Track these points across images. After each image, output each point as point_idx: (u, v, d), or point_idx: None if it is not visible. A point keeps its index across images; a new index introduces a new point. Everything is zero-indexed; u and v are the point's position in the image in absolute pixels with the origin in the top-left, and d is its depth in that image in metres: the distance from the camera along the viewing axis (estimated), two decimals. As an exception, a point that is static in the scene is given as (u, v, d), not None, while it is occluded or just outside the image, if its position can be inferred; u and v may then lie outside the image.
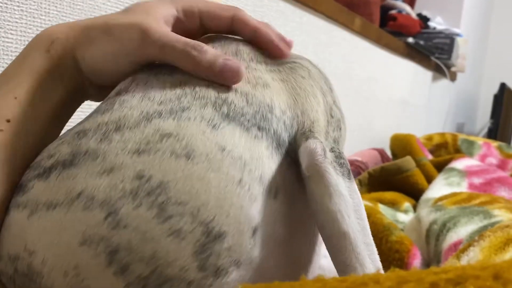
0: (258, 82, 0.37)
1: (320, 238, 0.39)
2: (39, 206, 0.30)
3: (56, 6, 0.60)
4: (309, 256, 0.38)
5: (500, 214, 0.72)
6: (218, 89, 0.35)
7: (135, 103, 0.33)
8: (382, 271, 0.35)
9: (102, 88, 0.42)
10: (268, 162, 0.33)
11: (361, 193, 1.16)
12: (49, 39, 0.38)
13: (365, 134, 1.63)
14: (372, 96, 1.63)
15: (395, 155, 1.45)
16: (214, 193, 0.30)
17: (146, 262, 0.28)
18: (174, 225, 0.28)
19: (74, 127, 0.34)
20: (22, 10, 0.56)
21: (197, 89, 0.35)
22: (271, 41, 0.41)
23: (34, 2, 0.58)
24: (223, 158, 0.31)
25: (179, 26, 0.41)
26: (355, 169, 1.26)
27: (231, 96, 0.35)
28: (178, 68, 0.37)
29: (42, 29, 0.58)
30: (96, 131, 0.32)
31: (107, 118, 0.33)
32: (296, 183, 0.35)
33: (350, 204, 0.34)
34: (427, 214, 0.84)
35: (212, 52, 0.37)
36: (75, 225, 0.28)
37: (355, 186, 0.36)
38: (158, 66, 0.38)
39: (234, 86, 0.36)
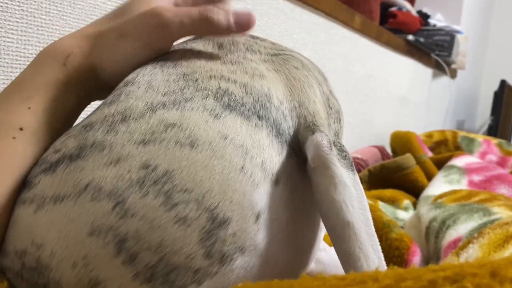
0: (255, 73, 0.38)
1: (321, 225, 0.40)
2: (46, 200, 0.30)
3: (56, 6, 0.60)
4: (311, 242, 0.39)
5: (500, 212, 0.72)
6: (218, 81, 0.36)
7: (141, 94, 0.34)
8: (383, 262, 0.36)
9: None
10: (268, 149, 0.34)
11: (361, 190, 1.16)
12: (65, 53, 0.39)
13: (365, 131, 1.63)
14: (372, 93, 1.63)
15: (395, 153, 1.45)
16: (218, 180, 0.31)
17: (154, 250, 0.29)
18: (180, 212, 0.29)
19: (82, 121, 0.35)
20: (22, 10, 0.57)
21: (199, 81, 0.36)
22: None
23: (35, 1, 0.58)
24: (225, 145, 0.32)
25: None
26: (355, 166, 1.25)
27: (231, 87, 0.36)
28: (182, 61, 0.38)
29: (43, 28, 0.58)
30: (103, 123, 0.33)
31: (113, 109, 0.33)
32: (296, 171, 0.36)
33: (354, 195, 0.35)
34: (426, 212, 0.84)
35: (221, 10, 0.40)
36: (83, 216, 0.29)
37: (358, 178, 0.37)
38: (163, 59, 0.39)
39: (234, 77, 0.37)
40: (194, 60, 0.38)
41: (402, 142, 1.41)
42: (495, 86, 2.72)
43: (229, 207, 0.31)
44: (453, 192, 0.97)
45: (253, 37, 0.44)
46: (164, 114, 0.32)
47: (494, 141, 1.54)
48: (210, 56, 0.39)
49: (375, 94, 1.65)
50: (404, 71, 1.91)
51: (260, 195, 0.33)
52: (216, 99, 0.34)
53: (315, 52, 1.19)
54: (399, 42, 1.77)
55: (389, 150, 1.50)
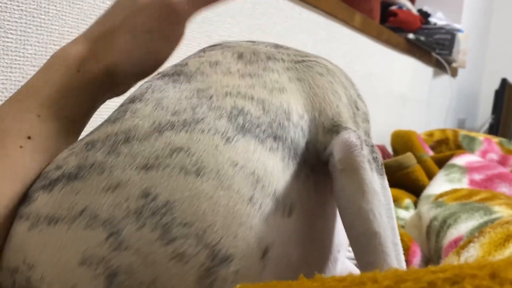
0: (275, 86, 0.36)
1: (336, 256, 0.38)
2: (40, 219, 0.29)
3: (55, 6, 0.60)
4: (326, 274, 0.37)
5: (501, 210, 0.72)
6: (234, 99, 0.34)
7: (148, 112, 0.32)
8: None
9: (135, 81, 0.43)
10: (283, 175, 0.32)
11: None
12: (77, 59, 0.38)
13: (366, 131, 1.63)
14: (373, 92, 1.63)
15: (396, 152, 1.45)
16: (222, 213, 0.29)
17: (146, 287, 0.27)
18: (178, 248, 0.27)
19: (85, 136, 0.33)
20: (21, 10, 0.56)
21: (214, 98, 0.33)
22: None
23: (34, 1, 0.58)
24: (234, 174, 0.30)
25: None
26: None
27: (247, 105, 0.34)
28: (197, 75, 0.36)
29: (42, 28, 0.58)
30: (105, 142, 0.31)
31: (116, 128, 0.32)
32: (314, 195, 0.34)
33: (383, 203, 0.33)
34: (427, 211, 0.84)
35: None
36: (75, 244, 0.28)
37: (386, 182, 0.35)
38: (178, 71, 0.37)
39: (251, 93, 0.35)
40: (210, 73, 0.36)
41: (403, 141, 1.41)
42: (496, 84, 2.71)
43: (233, 242, 0.28)
44: (454, 191, 0.97)
45: (276, 46, 0.42)
46: (171, 137, 0.30)
47: (495, 139, 1.53)
48: (228, 68, 0.37)
49: (375, 93, 1.65)
50: (404, 69, 1.91)
51: (269, 228, 0.30)
52: (229, 120, 0.32)
53: (315, 51, 1.19)
54: (399, 40, 1.77)
55: (390, 149, 1.50)
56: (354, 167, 0.32)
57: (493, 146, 1.52)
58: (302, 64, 0.39)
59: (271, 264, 0.30)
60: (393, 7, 1.91)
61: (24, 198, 0.32)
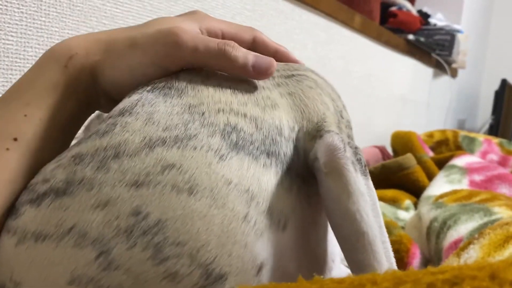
0: (267, 103, 0.36)
1: (331, 265, 0.38)
2: (27, 235, 0.29)
3: (55, 8, 0.60)
4: None
5: (501, 212, 0.72)
6: (227, 115, 0.33)
7: (138, 126, 0.31)
8: (395, 267, 0.35)
9: (116, 100, 0.40)
10: (276, 191, 0.32)
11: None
12: (68, 54, 0.37)
13: (366, 132, 1.63)
14: (373, 93, 1.63)
15: (396, 152, 1.44)
16: (216, 231, 0.28)
17: None
18: (170, 268, 0.27)
19: (72, 146, 0.32)
20: (22, 12, 0.57)
21: (206, 114, 0.33)
22: (293, 60, 0.43)
23: (34, 3, 0.58)
24: (228, 192, 0.29)
25: None
26: (356, 166, 1.25)
27: (240, 122, 0.33)
28: (188, 89, 0.35)
29: (42, 31, 0.58)
30: (94, 157, 0.30)
31: (105, 142, 0.31)
32: (306, 207, 0.34)
33: (368, 203, 0.33)
34: (427, 212, 0.84)
35: (242, 48, 0.37)
36: (64, 262, 0.27)
37: (371, 182, 0.35)
38: (168, 85, 0.35)
39: (244, 110, 0.34)
40: (202, 88, 0.35)
41: (403, 142, 1.41)
42: (496, 85, 2.71)
43: (227, 261, 0.28)
44: (454, 192, 0.97)
45: None
46: (162, 153, 0.30)
47: (495, 140, 1.53)
48: (220, 84, 0.36)
49: (375, 94, 1.65)
50: (404, 70, 1.91)
51: (264, 245, 0.30)
52: (223, 137, 0.31)
53: (315, 53, 1.19)
54: (399, 41, 1.77)
55: (390, 150, 1.50)
56: (338, 169, 0.32)
57: (493, 146, 1.52)
58: (292, 79, 0.40)
59: (266, 280, 0.30)
60: (393, 8, 1.91)
61: (12, 209, 0.31)
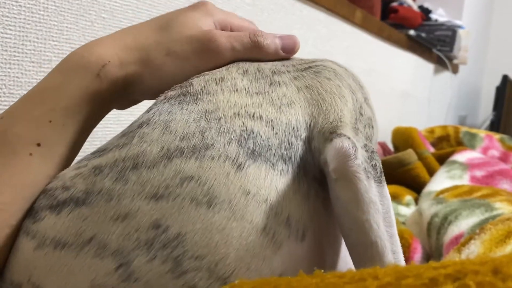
0: (283, 102, 0.35)
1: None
2: (46, 241, 0.29)
3: (54, 1, 0.59)
4: None
5: (502, 207, 0.72)
6: (243, 120, 0.33)
7: (156, 136, 0.31)
8: None
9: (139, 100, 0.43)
10: (294, 198, 0.31)
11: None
12: (100, 62, 0.36)
13: (367, 127, 1.63)
14: (374, 89, 1.62)
15: (397, 148, 1.44)
16: (235, 245, 0.28)
17: None
18: (189, 281, 0.27)
19: (93, 156, 0.32)
20: (20, 5, 0.56)
21: (222, 121, 0.32)
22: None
23: (32, -3, 0.57)
24: (247, 204, 0.29)
25: None
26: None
27: (257, 126, 0.32)
28: (203, 94, 0.35)
29: (41, 24, 0.57)
30: (112, 168, 0.30)
31: (124, 153, 0.31)
32: (324, 213, 0.33)
33: (380, 212, 0.32)
34: (428, 207, 0.84)
35: (269, 34, 0.40)
36: (84, 271, 0.28)
37: (386, 190, 0.34)
38: (183, 91, 0.35)
39: (259, 112, 0.34)
40: (217, 91, 0.35)
41: (403, 138, 1.40)
42: (497, 81, 2.70)
43: (245, 275, 0.28)
44: (455, 187, 0.96)
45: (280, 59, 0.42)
46: (181, 164, 0.29)
47: (496, 136, 1.53)
48: (234, 84, 0.36)
49: (376, 89, 1.65)
50: (405, 66, 1.91)
51: (282, 257, 0.30)
52: (239, 144, 0.31)
53: (316, 48, 1.19)
54: (400, 37, 1.76)
55: (390, 146, 1.50)
56: (348, 177, 0.31)
57: (494, 142, 1.52)
58: (309, 71, 0.39)
59: None
60: (394, 4, 1.90)
61: (31, 212, 0.32)
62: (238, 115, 0.33)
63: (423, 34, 1.94)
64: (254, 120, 0.33)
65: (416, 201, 1.08)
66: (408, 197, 1.07)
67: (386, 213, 0.33)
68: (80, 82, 0.36)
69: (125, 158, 0.30)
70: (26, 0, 0.57)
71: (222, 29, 0.41)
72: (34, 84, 0.57)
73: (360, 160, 0.32)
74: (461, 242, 0.59)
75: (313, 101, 0.36)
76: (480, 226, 0.61)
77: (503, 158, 1.46)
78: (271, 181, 0.30)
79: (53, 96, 0.35)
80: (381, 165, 0.34)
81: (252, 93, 0.35)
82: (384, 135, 1.65)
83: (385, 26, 1.62)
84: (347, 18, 1.30)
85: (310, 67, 0.39)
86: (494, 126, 2.68)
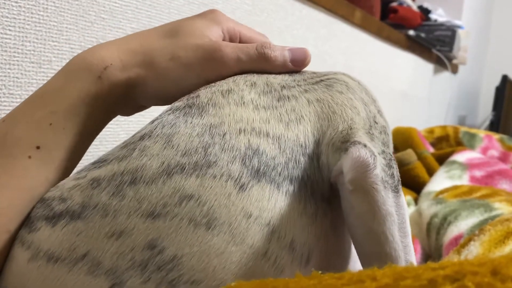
0: (291, 118, 0.34)
1: None
2: (40, 253, 0.29)
3: (54, 2, 0.59)
4: None
5: (501, 207, 0.72)
6: (249, 136, 0.31)
7: (157, 151, 0.30)
8: None
9: (145, 106, 0.42)
10: (300, 221, 0.30)
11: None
12: (102, 64, 0.36)
13: (366, 128, 1.63)
14: (373, 89, 1.62)
15: (397, 148, 1.44)
16: (234, 270, 0.27)
17: None
18: None
19: (94, 166, 0.32)
20: (20, 6, 0.56)
21: (227, 136, 0.31)
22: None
23: (32, -3, 0.57)
24: (248, 227, 0.28)
25: None
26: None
27: (263, 143, 0.31)
28: (209, 107, 0.34)
29: (41, 25, 0.57)
30: (110, 182, 0.29)
31: (123, 166, 0.30)
32: (331, 234, 0.32)
33: (396, 223, 0.31)
34: (428, 207, 0.84)
35: (278, 46, 0.39)
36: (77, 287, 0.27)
37: (402, 199, 0.32)
38: (189, 103, 0.35)
39: (267, 128, 0.32)
40: (223, 104, 0.34)
41: (403, 138, 1.40)
42: (497, 81, 2.70)
43: None
44: (455, 187, 0.96)
45: (290, 74, 0.40)
46: (181, 182, 0.28)
47: (496, 136, 1.53)
48: (241, 97, 0.34)
49: (376, 89, 1.64)
50: (405, 66, 1.91)
51: None
52: (243, 163, 0.30)
53: (315, 48, 1.19)
54: (400, 37, 1.76)
55: (390, 146, 1.50)
56: (366, 188, 0.30)
57: (494, 142, 1.52)
58: (321, 84, 0.37)
59: None
60: (394, 4, 1.90)
61: (28, 220, 0.31)
62: (244, 131, 0.32)
63: (423, 34, 1.94)
64: (260, 137, 0.31)
65: (416, 201, 1.08)
66: (408, 197, 1.07)
67: (402, 223, 0.32)
68: (81, 85, 0.35)
69: (123, 172, 0.29)
70: (26, 0, 0.57)
71: (231, 39, 0.41)
72: (34, 85, 0.58)
73: (378, 169, 0.30)
74: (460, 243, 0.59)
75: (323, 115, 0.34)
76: (480, 227, 0.61)
77: (503, 158, 1.46)
78: (275, 203, 0.29)
79: (54, 99, 0.35)
80: (398, 173, 0.33)
81: (259, 107, 0.34)
82: (384, 135, 1.64)
83: (385, 26, 1.62)
84: (347, 18, 1.30)
85: (322, 80, 0.38)
86: (494, 126, 2.68)
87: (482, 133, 1.55)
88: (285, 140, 0.32)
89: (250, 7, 0.93)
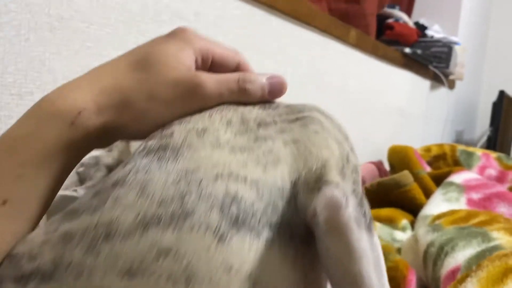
0: (268, 160, 0.32)
1: None
2: None
3: (35, 32, 0.58)
4: None
5: (499, 237, 0.70)
6: (226, 182, 0.30)
7: (131, 200, 0.28)
8: None
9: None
10: (281, 268, 0.29)
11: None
12: (74, 110, 0.33)
13: (363, 146, 1.61)
14: (370, 108, 1.61)
15: (393, 167, 1.43)
16: None
17: None
18: None
19: (64, 218, 0.30)
20: (0, 37, 0.55)
21: (204, 183, 0.29)
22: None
23: (13, 28, 0.56)
24: (229, 281, 0.27)
25: (196, 68, 0.39)
26: (352, 184, 1.23)
27: (241, 189, 0.30)
28: (184, 149, 0.32)
29: (22, 56, 0.56)
30: (83, 236, 0.27)
31: (96, 219, 0.28)
32: (311, 275, 0.32)
33: (371, 262, 0.30)
34: (424, 234, 0.82)
35: (257, 77, 0.40)
36: None
37: (376, 238, 0.32)
38: (162, 148, 0.33)
39: (244, 173, 0.31)
40: (198, 146, 0.32)
41: (399, 157, 1.39)
42: (494, 96, 2.70)
43: None
44: (452, 212, 0.95)
45: (264, 106, 0.39)
46: (158, 235, 0.27)
47: (494, 155, 1.52)
48: (216, 138, 0.33)
49: (372, 108, 1.63)
50: (401, 83, 1.90)
51: None
52: (222, 212, 0.28)
53: (309, 69, 1.17)
54: (396, 55, 1.75)
55: (387, 164, 1.48)
56: (339, 228, 0.29)
57: (492, 161, 1.51)
58: (296, 124, 0.36)
59: None
60: (390, 20, 1.90)
61: None
62: (221, 176, 0.30)
63: (419, 51, 1.93)
64: (238, 182, 0.30)
65: (413, 224, 1.06)
66: (404, 221, 1.05)
67: (377, 262, 0.31)
68: (53, 132, 0.33)
69: (97, 225, 0.27)
70: (7, 31, 0.55)
71: (203, 60, 0.40)
72: (14, 118, 0.56)
73: (351, 208, 0.29)
74: (457, 279, 0.58)
75: (299, 156, 0.33)
76: (477, 260, 0.60)
77: (501, 177, 1.45)
78: (256, 253, 0.28)
79: (23, 147, 0.32)
80: (370, 211, 0.32)
81: (236, 149, 0.33)
82: (381, 154, 1.64)
83: (380, 44, 1.61)
84: (341, 38, 1.28)
85: (297, 118, 0.37)
86: (491, 141, 2.67)
87: (479, 152, 1.54)
88: (263, 184, 0.31)
89: (243, 28, 0.91)
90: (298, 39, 1.11)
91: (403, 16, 1.98)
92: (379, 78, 1.66)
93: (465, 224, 0.84)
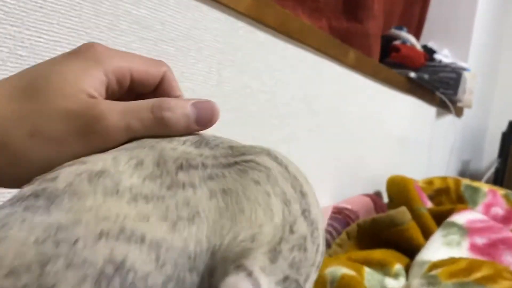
0: (182, 214, 0.24)
1: None
2: None
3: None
4: None
5: (504, 303, 0.60)
6: (114, 242, 0.22)
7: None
8: None
9: None
10: None
11: (348, 248, 1.03)
12: None
13: (360, 176, 1.50)
14: (369, 134, 1.50)
15: (391, 200, 1.33)
16: None
17: None
18: None
19: None
20: None
21: (80, 244, 0.22)
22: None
23: None
24: None
25: (108, 93, 0.31)
26: (344, 218, 1.13)
27: (131, 254, 0.22)
28: (65, 196, 0.24)
29: None
30: None
31: None
32: None
33: None
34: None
35: (177, 103, 0.30)
36: None
37: None
38: (35, 194, 0.24)
39: (142, 230, 0.23)
40: (87, 191, 0.24)
41: (399, 189, 1.30)
42: (503, 126, 2.61)
43: None
44: (452, 261, 0.85)
45: (200, 142, 0.30)
46: None
47: (501, 191, 1.41)
48: (116, 184, 0.25)
49: (371, 135, 1.52)
50: (404, 110, 1.79)
51: None
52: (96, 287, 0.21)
53: (301, 90, 1.07)
54: (399, 79, 1.65)
55: (385, 195, 1.38)
56: None
57: (498, 198, 1.40)
58: (233, 169, 0.28)
59: None
60: (396, 42, 1.80)
61: None
62: (107, 234, 0.22)
63: (426, 76, 1.83)
64: (130, 243, 0.22)
65: (407, 269, 0.96)
66: (398, 266, 0.94)
67: None
68: None
69: None
70: None
71: (119, 81, 0.31)
72: None
73: None
74: None
75: (227, 213, 0.25)
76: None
77: (508, 217, 1.34)
78: None
79: None
80: None
81: (139, 197, 0.24)
82: (379, 185, 1.53)
83: (382, 67, 1.50)
84: (339, 58, 1.18)
85: (236, 162, 0.28)
86: (499, 173, 2.57)
87: (486, 187, 1.43)
88: (167, 249, 0.23)
89: (221, 44, 0.81)
90: (288, 57, 1.00)
91: (410, 38, 1.88)
92: (380, 103, 1.55)
93: (465, 279, 0.74)
